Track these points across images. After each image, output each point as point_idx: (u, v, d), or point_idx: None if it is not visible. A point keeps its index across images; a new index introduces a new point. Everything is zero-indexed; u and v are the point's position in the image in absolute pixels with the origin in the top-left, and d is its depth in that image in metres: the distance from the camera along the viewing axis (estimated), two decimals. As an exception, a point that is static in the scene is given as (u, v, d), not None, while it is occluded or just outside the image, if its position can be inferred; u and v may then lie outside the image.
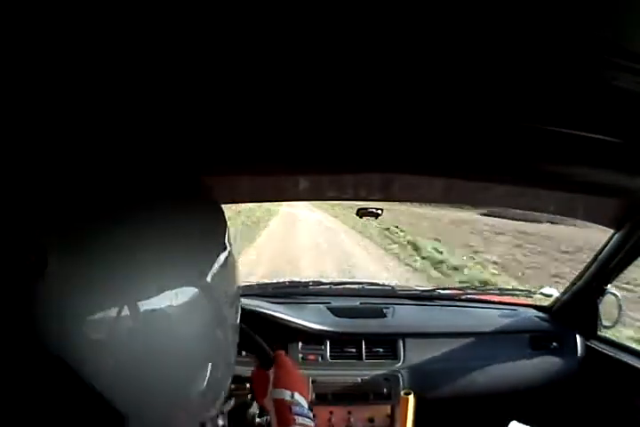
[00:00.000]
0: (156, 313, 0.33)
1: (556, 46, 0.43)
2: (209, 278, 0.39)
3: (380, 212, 1.35)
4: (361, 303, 1.41)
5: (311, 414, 0.62)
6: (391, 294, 1.50)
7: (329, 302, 1.39)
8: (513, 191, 1.01)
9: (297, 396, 0.64)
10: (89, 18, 0.38)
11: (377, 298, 1.45)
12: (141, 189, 0.36)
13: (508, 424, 1.16)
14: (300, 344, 1.27)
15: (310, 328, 1.28)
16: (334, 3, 0.38)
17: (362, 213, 1.38)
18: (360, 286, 1.55)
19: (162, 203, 0.37)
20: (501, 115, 0.58)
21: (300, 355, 1.26)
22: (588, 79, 0.48)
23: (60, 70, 0.42)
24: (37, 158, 0.31)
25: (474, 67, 0.48)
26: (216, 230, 0.43)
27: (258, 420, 0.70)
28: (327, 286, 1.52)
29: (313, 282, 1.53)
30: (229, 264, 0.43)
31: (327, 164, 0.71)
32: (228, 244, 0.44)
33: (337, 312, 1.35)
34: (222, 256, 0.42)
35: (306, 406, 0.64)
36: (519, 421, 1.27)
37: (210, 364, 0.40)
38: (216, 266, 0.40)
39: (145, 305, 0.33)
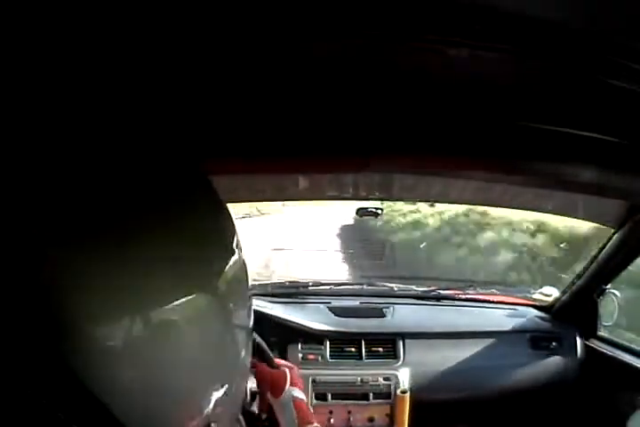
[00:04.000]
0: (167, 319, 0.32)
1: (556, 46, 0.43)
2: (221, 281, 0.38)
3: (379, 211, 1.35)
4: (361, 303, 1.41)
5: None
6: (391, 293, 1.50)
7: (329, 302, 1.39)
8: (513, 191, 1.01)
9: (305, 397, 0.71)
10: (92, 15, 0.38)
11: (377, 298, 1.45)
12: (149, 192, 0.35)
13: (506, 423, 1.16)
14: (299, 344, 1.27)
15: (310, 328, 1.28)
16: (334, 5, 0.38)
17: (361, 212, 1.38)
18: (360, 286, 1.55)
19: (169, 205, 0.36)
20: (502, 114, 0.58)
21: (300, 354, 1.26)
22: (588, 79, 0.48)
23: (60, 68, 0.41)
24: (39, 156, 0.30)
25: (476, 67, 0.48)
26: (225, 232, 0.42)
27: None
28: (327, 287, 1.52)
29: (313, 282, 1.53)
30: (240, 266, 0.42)
31: (327, 163, 0.71)
32: (237, 245, 0.43)
33: (337, 312, 1.35)
34: (233, 258, 0.41)
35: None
36: (519, 420, 1.27)
37: (227, 368, 0.39)
38: (227, 268, 0.39)
39: (154, 310, 0.31)
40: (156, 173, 0.37)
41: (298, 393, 0.70)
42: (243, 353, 0.43)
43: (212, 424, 0.37)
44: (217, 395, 0.38)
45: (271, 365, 0.73)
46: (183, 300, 0.33)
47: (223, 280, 0.38)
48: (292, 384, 0.71)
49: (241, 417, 0.53)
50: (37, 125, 0.32)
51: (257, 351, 0.72)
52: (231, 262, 0.41)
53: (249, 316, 0.45)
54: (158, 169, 0.38)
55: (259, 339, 0.71)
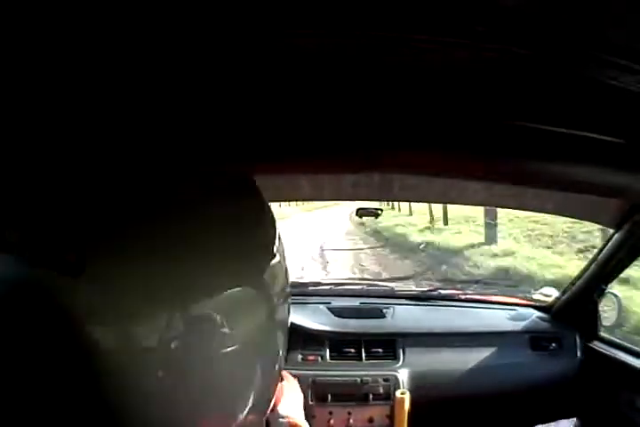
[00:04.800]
0: (206, 316, 0.31)
1: (556, 46, 0.43)
2: (262, 278, 0.38)
3: (379, 212, 1.35)
4: (361, 303, 1.41)
5: None
6: (391, 294, 1.50)
7: (329, 303, 1.39)
8: (513, 191, 1.01)
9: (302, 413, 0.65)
10: (93, 15, 0.37)
11: (377, 298, 1.45)
12: (188, 187, 0.35)
13: (507, 424, 1.16)
14: (299, 344, 1.27)
15: (310, 328, 1.28)
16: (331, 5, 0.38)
17: (361, 213, 1.38)
18: (360, 286, 1.55)
19: (210, 200, 0.36)
20: (501, 115, 0.58)
21: (300, 355, 1.26)
22: (588, 79, 0.48)
23: (71, 70, 0.41)
24: (71, 158, 0.30)
25: (475, 66, 0.48)
26: (265, 231, 0.42)
27: None
28: (327, 287, 1.52)
29: (313, 282, 1.53)
30: (281, 263, 0.42)
31: (327, 164, 0.71)
32: (278, 242, 0.43)
33: (337, 312, 1.35)
34: (274, 255, 0.41)
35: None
36: (519, 420, 1.27)
37: (263, 368, 0.39)
38: (268, 265, 0.39)
39: (194, 308, 0.31)
40: (192, 174, 0.37)
41: (287, 411, 0.63)
42: (280, 353, 0.42)
43: None
44: (252, 399, 0.37)
45: None
46: (222, 298, 0.33)
47: (267, 278, 0.38)
48: (283, 400, 0.66)
49: None
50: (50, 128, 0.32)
51: None
52: (273, 261, 0.40)
53: (289, 314, 0.44)
54: (195, 170, 0.38)
55: None
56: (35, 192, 0.28)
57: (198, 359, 0.31)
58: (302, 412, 0.65)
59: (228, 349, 0.33)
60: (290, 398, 0.66)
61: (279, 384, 0.68)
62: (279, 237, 0.43)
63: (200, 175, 0.38)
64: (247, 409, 0.36)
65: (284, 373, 0.72)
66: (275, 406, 0.65)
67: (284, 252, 0.43)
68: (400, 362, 1.24)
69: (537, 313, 1.40)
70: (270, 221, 0.44)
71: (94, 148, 0.32)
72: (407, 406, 1.12)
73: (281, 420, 0.63)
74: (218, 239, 0.35)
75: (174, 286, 0.30)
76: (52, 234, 0.27)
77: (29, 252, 0.26)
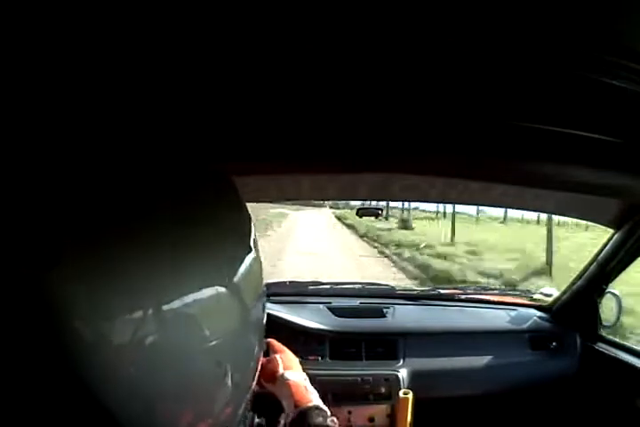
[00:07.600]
0: (179, 314, 0.32)
1: (556, 46, 0.43)
2: (235, 278, 0.38)
3: (379, 211, 1.36)
4: (361, 303, 1.41)
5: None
6: (391, 294, 1.50)
7: (329, 302, 1.39)
8: (513, 191, 1.01)
9: (305, 376, 0.72)
10: (93, 15, 0.38)
11: (377, 298, 1.45)
12: (165, 186, 0.35)
13: (507, 424, 1.16)
14: (300, 344, 1.27)
15: (310, 328, 1.28)
16: (335, 4, 0.38)
17: (362, 212, 1.38)
18: (360, 286, 1.55)
19: (186, 200, 0.36)
20: (501, 115, 0.58)
21: (301, 355, 1.26)
22: (588, 79, 0.49)
23: (63, 69, 0.42)
24: (52, 153, 0.30)
25: (475, 67, 0.49)
26: (241, 229, 0.43)
27: (257, 420, 0.70)
28: (327, 287, 1.52)
29: (313, 282, 1.54)
30: (255, 263, 0.42)
31: (327, 164, 0.72)
32: (253, 242, 0.43)
33: (337, 312, 1.35)
34: (248, 255, 0.41)
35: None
36: (518, 420, 1.27)
37: (236, 366, 0.39)
38: (242, 265, 0.39)
39: (166, 305, 0.31)
40: (173, 171, 0.37)
41: (291, 375, 0.71)
42: (256, 350, 0.43)
43: None
44: (230, 394, 0.37)
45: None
46: (199, 294, 0.33)
47: (241, 276, 0.38)
48: (285, 368, 0.72)
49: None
50: (46, 127, 0.32)
51: None
52: (249, 259, 0.41)
53: (264, 312, 0.45)
54: (176, 168, 0.38)
55: None
56: (12, 186, 0.27)
57: (174, 356, 0.31)
58: (303, 375, 0.73)
59: (204, 346, 0.33)
60: (288, 365, 0.74)
61: (280, 355, 0.75)
62: (255, 237, 0.44)
63: (180, 174, 0.38)
64: (224, 403, 0.37)
65: (275, 343, 0.79)
66: (276, 372, 0.72)
67: (258, 251, 0.43)
68: (400, 362, 1.24)
69: (537, 313, 1.40)
70: (247, 221, 0.44)
71: (73, 143, 0.32)
72: (410, 406, 1.11)
73: (286, 381, 0.70)
74: (196, 238, 0.35)
75: (150, 282, 0.30)
76: (25, 227, 0.27)
77: (4, 244, 0.26)
